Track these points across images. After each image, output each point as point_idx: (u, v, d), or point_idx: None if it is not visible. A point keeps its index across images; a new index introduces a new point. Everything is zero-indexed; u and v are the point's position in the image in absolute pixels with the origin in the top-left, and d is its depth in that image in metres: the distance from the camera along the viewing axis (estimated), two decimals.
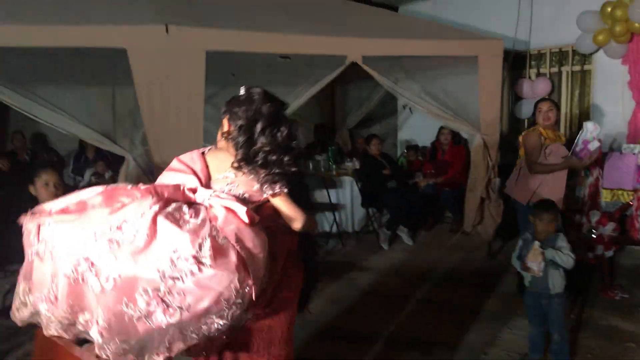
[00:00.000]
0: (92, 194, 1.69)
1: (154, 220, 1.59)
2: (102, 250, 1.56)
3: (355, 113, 8.50)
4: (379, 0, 8.22)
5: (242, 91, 1.91)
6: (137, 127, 4.33)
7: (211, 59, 4.28)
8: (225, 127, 1.93)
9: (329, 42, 4.74)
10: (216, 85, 4.83)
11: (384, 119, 9.15)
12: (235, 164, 1.84)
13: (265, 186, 1.82)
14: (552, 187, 4.34)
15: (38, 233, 1.66)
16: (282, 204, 1.87)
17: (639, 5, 5.14)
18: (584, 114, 6.33)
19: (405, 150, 7.83)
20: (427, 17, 7.30)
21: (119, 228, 1.58)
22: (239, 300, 1.62)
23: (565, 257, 3.03)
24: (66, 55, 4.10)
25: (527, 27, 6.53)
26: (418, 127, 8.16)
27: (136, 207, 1.61)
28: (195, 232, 1.60)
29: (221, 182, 1.88)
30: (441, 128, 7.00)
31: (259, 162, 1.81)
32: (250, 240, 1.68)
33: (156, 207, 1.61)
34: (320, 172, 6.72)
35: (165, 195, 1.70)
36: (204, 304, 1.56)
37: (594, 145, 4.35)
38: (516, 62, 6.64)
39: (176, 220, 1.62)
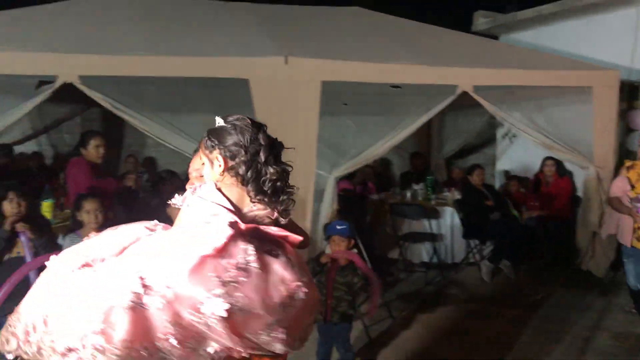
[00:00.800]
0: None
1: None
2: None
3: (452, 142, 8.43)
4: (479, 30, 8.20)
5: (221, 122, 1.71)
6: None
7: (327, 88, 4.42)
8: (221, 163, 1.69)
9: (441, 72, 4.78)
10: (327, 114, 4.97)
11: (480, 149, 9.02)
12: (256, 199, 1.70)
13: (284, 214, 1.80)
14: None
15: None
16: (293, 225, 1.87)
17: None
18: None
19: (506, 181, 7.63)
20: (529, 47, 7.19)
21: None
22: None
23: None
24: (194, 85, 4.36)
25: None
26: (518, 158, 7.97)
27: None
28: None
29: None
30: (545, 159, 6.79)
31: (269, 192, 1.73)
32: None
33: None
34: (421, 202, 6.69)
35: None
36: None
37: None
38: (631, 93, 6.37)
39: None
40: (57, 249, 3.43)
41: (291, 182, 4.23)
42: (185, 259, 1.41)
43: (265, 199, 1.69)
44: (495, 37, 8.07)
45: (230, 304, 1.41)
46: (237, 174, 1.67)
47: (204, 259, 1.41)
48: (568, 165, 6.43)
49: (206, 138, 1.71)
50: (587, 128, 5.38)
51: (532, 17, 7.52)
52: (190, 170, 1.89)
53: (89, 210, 3.52)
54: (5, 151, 6.71)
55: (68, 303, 1.43)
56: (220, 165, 1.67)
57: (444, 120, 8.66)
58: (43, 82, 4.07)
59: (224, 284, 1.42)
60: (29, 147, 7.70)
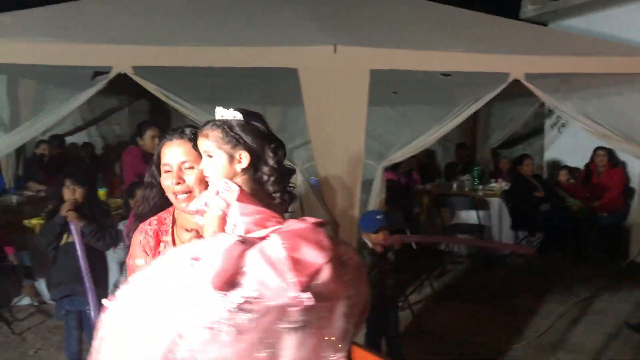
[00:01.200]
0: None
1: None
2: None
3: (499, 133, 8.27)
4: (528, 17, 7.99)
5: (230, 114, 1.58)
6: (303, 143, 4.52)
7: (373, 77, 4.37)
8: (246, 159, 1.54)
9: (492, 60, 4.65)
10: (375, 103, 4.93)
11: (527, 139, 8.84)
12: (276, 196, 1.61)
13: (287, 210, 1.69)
14: None
15: None
16: None
17: None
18: None
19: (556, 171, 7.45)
20: (580, 33, 6.96)
21: None
22: None
23: None
24: (242, 76, 4.38)
25: None
26: (567, 148, 7.78)
27: None
28: None
29: None
30: (597, 149, 6.63)
31: (285, 189, 1.64)
32: None
33: None
34: (467, 192, 6.60)
35: None
36: None
37: None
38: None
39: None
40: (108, 235, 3.55)
41: (339, 172, 4.22)
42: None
43: (284, 196, 1.61)
44: (545, 24, 7.84)
45: None
46: (257, 171, 1.57)
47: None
48: (621, 156, 6.22)
49: (223, 131, 1.55)
50: None
51: (583, 2, 7.28)
52: (207, 172, 1.61)
53: None
54: (58, 142, 6.93)
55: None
56: (242, 162, 1.55)
57: (491, 110, 8.50)
58: (98, 73, 4.15)
59: None
60: (79, 138, 7.93)
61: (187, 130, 1.76)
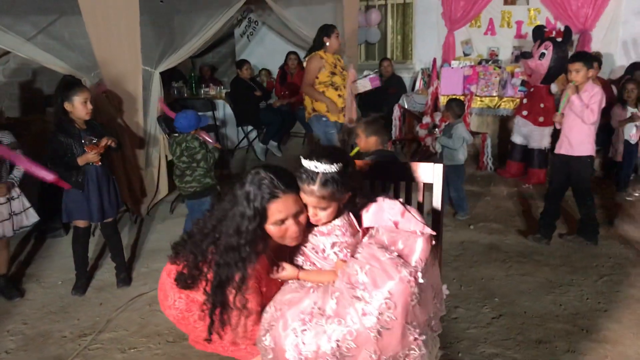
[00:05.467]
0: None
1: None
2: None
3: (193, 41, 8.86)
4: None
5: (324, 167, 1.70)
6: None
7: None
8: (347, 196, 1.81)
9: None
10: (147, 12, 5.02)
11: (219, 46, 9.66)
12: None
13: None
14: None
15: None
16: None
17: None
18: (407, 39, 7.90)
19: (258, 73, 8.55)
20: None
21: None
22: None
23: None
24: None
25: None
26: (257, 53, 8.97)
27: None
28: None
29: None
30: (289, 53, 7.90)
31: None
32: None
33: None
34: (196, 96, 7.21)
35: None
36: None
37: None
38: None
39: None
40: None
41: (122, 80, 4.47)
42: None
43: None
44: None
45: None
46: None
47: None
48: None
49: (333, 187, 1.69)
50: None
51: None
52: (321, 219, 1.78)
53: None
54: None
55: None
56: (345, 199, 1.79)
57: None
58: None
59: None
60: None
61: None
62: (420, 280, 1.61)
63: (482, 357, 2.67)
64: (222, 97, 7.25)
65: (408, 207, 1.87)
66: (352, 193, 1.80)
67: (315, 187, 1.69)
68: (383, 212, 1.86)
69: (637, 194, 3.69)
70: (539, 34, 5.53)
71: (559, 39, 5.39)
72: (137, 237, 4.45)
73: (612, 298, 3.20)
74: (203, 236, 1.74)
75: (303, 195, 1.73)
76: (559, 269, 3.62)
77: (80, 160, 3.29)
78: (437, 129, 5.78)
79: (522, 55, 5.74)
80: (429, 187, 2.18)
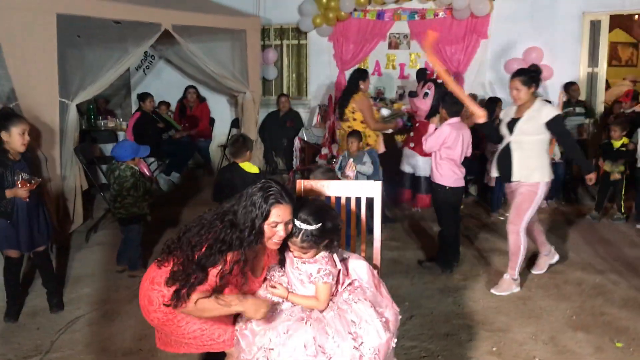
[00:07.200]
0: None
1: None
2: None
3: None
4: None
5: (308, 225, 2.17)
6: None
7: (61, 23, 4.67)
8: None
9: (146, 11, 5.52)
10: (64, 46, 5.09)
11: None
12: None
13: None
14: None
15: None
16: None
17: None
18: (302, 77, 8.51)
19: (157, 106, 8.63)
20: None
21: None
22: None
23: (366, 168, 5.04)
24: None
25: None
26: (153, 87, 9.09)
27: None
28: None
29: None
30: (188, 87, 8.16)
31: None
32: None
33: None
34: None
35: None
36: None
37: None
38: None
39: None
40: None
41: (37, 113, 4.67)
42: None
43: None
44: None
45: None
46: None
47: None
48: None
49: (315, 243, 2.18)
50: (239, 62, 7.00)
51: None
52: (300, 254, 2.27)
53: None
54: None
55: None
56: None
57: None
58: None
59: None
60: None
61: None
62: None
63: (404, 349, 3.15)
64: (122, 128, 7.32)
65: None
66: (330, 240, 2.26)
67: (297, 240, 2.18)
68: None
69: (507, 214, 4.41)
70: (422, 75, 6.34)
71: (440, 81, 6.22)
72: (57, 265, 4.46)
73: (499, 297, 3.87)
74: (202, 226, 2.12)
75: (289, 243, 2.23)
76: (453, 276, 4.26)
77: (9, 193, 3.34)
78: (334, 160, 6.36)
79: (409, 94, 6.50)
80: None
